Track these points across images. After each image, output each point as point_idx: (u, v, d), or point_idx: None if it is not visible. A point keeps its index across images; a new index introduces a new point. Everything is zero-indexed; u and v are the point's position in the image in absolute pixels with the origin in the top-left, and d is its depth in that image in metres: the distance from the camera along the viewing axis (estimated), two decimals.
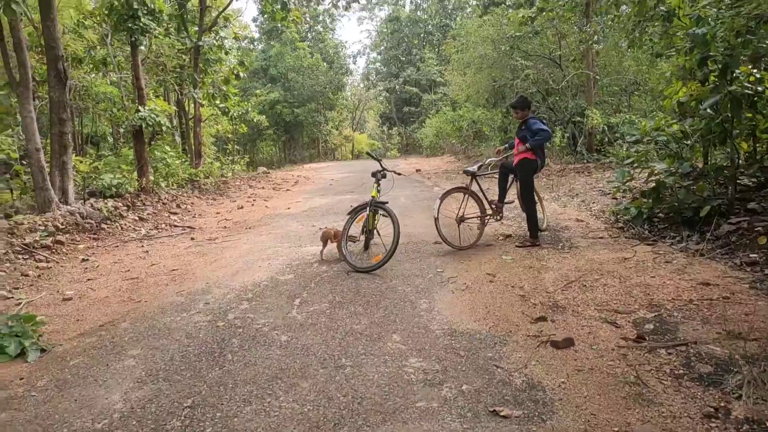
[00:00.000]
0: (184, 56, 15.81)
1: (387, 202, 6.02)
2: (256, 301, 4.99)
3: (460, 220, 6.70)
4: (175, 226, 9.64)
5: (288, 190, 15.31)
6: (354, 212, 6.20)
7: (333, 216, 9.91)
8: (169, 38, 14.79)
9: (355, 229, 6.32)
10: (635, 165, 7.58)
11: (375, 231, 6.17)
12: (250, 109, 22.30)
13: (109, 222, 8.87)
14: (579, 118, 14.17)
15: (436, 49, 39.04)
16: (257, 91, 28.39)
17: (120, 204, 9.62)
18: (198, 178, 14.44)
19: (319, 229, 8.57)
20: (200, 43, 15.41)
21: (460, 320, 4.22)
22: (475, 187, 6.89)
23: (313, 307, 4.75)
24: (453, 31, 29.65)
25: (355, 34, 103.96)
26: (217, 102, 17.13)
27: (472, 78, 18.16)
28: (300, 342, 3.97)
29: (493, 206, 6.98)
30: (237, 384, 3.37)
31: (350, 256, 6.01)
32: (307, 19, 40.75)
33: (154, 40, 14.11)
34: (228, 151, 25.71)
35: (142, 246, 8.01)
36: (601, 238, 6.61)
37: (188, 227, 9.49)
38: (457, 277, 5.40)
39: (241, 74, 18.00)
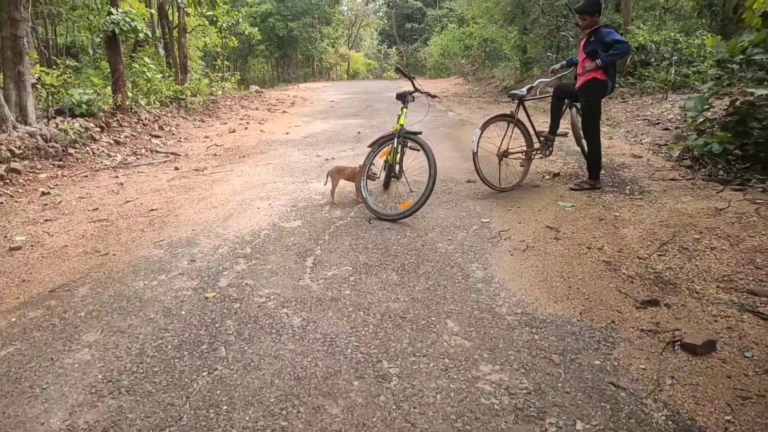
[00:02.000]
0: None
1: (420, 132, 4.77)
2: (257, 260, 3.86)
3: (503, 154, 5.50)
4: (157, 151, 8.35)
5: (284, 112, 13.85)
6: (377, 144, 4.96)
7: (339, 144, 8.63)
8: None
9: (376, 164, 5.11)
10: (707, 92, 6.30)
11: (400, 168, 4.95)
12: (241, 19, 20.27)
13: (78, 146, 7.56)
14: None
15: None
16: (248, 0, 25.99)
17: (92, 124, 8.25)
18: (184, 96, 12.92)
19: (325, 161, 7.35)
20: None
21: (535, 299, 3.13)
22: (521, 116, 5.63)
23: (331, 271, 3.62)
24: None
25: None
26: (204, 10, 15.24)
27: None
28: (320, 329, 2.87)
29: (542, 138, 5.75)
30: (234, 404, 2.29)
31: (372, 199, 4.84)
32: None
33: None
34: (217, 67, 23.78)
35: (117, 176, 6.76)
36: (673, 180, 5.44)
37: (172, 154, 8.20)
38: (510, 231, 4.27)
39: None
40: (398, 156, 4.78)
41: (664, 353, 2.53)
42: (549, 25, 14.24)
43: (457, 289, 3.29)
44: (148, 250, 4.15)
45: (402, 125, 4.81)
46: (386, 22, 43.54)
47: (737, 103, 5.67)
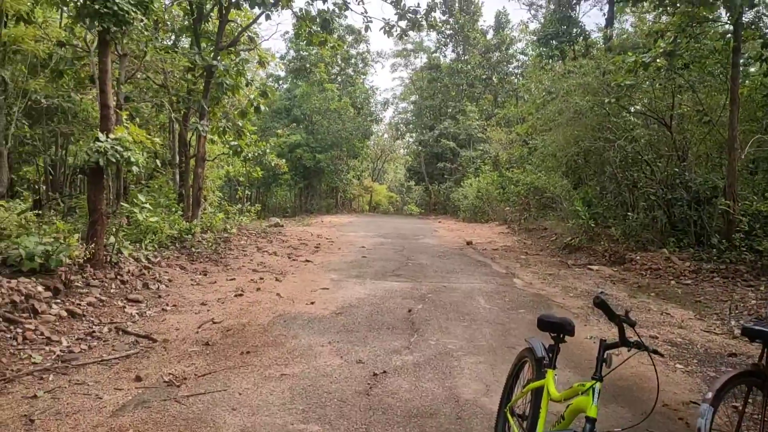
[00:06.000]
0: (193, 77, 12.41)
1: None
2: None
3: None
4: (125, 332, 5.77)
5: (307, 261, 11.45)
6: None
7: (387, 334, 6.01)
8: (175, 53, 11.41)
9: None
10: None
11: None
12: (268, 150, 18.84)
13: (4, 327, 5.03)
14: (713, 196, 10.41)
15: (476, 103, 35.90)
16: (278, 131, 25.09)
17: (40, 288, 5.79)
18: (189, 237, 10.69)
19: (373, 377, 4.70)
20: (215, 63, 12.00)
21: None
22: None
23: None
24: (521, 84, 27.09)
25: (386, 82, 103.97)
26: (228, 138, 13.59)
27: (551, 137, 14.58)
28: None
29: None
30: None
31: None
32: (339, 61, 38.16)
33: (152, 51, 10.70)
34: (237, 196, 22.14)
35: (34, 396, 4.12)
36: None
37: (145, 337, 5.62)
38: None
39: (262, 107, 14.55)
40: None
41: None
42: (626, 180, 12.15)
43: None
44: None
45: (593, 421, 2.15)
46: (415, 159, 43.04)
47: None
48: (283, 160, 21.14)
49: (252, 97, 14.58)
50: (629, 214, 11.80)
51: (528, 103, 19.38)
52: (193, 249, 10.56)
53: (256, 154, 18.24)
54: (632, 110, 12.72)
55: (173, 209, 11.40)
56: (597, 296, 2.41)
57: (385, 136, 54.39)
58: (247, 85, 14.71)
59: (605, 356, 2.37)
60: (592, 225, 12.39)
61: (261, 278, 9.14)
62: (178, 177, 14.73)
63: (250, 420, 3.82)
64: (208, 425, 3.72)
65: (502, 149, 26.81)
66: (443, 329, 6.30)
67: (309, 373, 4.78)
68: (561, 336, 2.78)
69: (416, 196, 47.86)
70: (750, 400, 3.15)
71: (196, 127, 12.28)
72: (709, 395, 2.75)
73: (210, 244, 11.35)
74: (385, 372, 4.85)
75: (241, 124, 14.46)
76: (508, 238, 17.22)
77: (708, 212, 10.65)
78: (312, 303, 7.45)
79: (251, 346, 5.51)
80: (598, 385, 2.29)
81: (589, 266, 10.90)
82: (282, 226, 19.71)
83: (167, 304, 7.00)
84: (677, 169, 11.23)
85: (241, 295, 7.83)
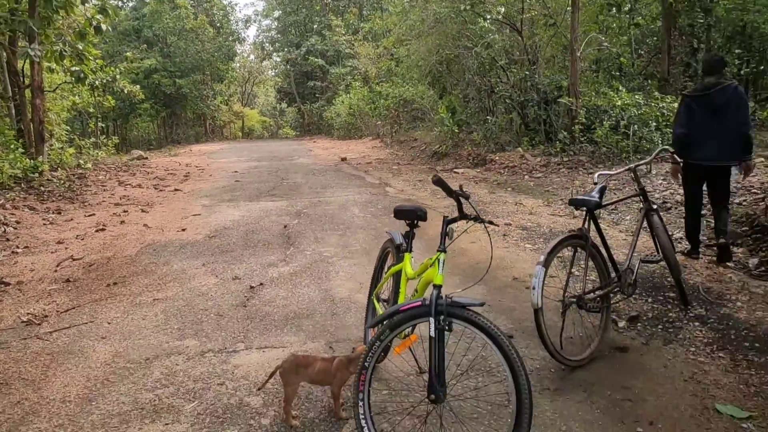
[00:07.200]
0: None
1: (480, 303, 2.37)
2: None
3: (575, 302, 3.29)
4: None
5: (177, 189, 10.95)
6: (389, 325, 2.46)
7: (262, 250, 6.05)
8: None
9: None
10: None
11: (441, 380, 2.42)
12: (118, 76, 17.16)
13: None
14: (558, 96, 11.29)
15: (342, 17, 34.94)
16: (127, 54, 22.69)
17: None
18: (35, 176, 9.69)
19: (249, 290, 4.77)
20: None
21: None
22: (593, 234, 3.48)
23: None
24: None
25: None
26: (67, 63, 12.15)
27: (414, 46, 14.69)
28: None
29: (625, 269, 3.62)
30: None
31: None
32: None
33: None
34: (89, 130, 20.17)
35: None
36: None
37: None
38: None
39: (104, 27, 13.00)
40: (437, 353, 2.33)
41: None
42: (484, 86, 12.76)
43: None
44: None
45: (439, 287, 2.41)
46: (285, 79, 41.51)
47: None
48: (138, 87, 19.37)
49: (90, 15, 12.95)
50: (489, 118, 12.55)
51: (392, 14, 19.22)
52: (42, 188, 9.62)
53: (105, 82, 16.59)
54: (488, 18, 13.14)
55: (12, 147, 10.18)
56: (435, 175, 2.61)
57: (251, 57, 51.50)
58: (83, 3, 13.04)
59: (447, 230, 2.62)
60: (457, 131, 13.03)
61: (125, 211, 8.62)
62: (14, 111, 13.02)
63: (122, 344, 3.75)
64: (75, 355, 3.60)
65: (371, 64, 26.72)
66: (318, 240, 6.46)
67: (183, 294, 4.73)
68: (415, 222, 2.99)
69: (290, 119, 46.67)
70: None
71: (26, 53, 10.78)
72: (542, 258, 3.15)
73: (62, 181, 10.40)
74: (261, 284, 4.93)
75: (81, 47, 12.89)
76: (381, 151, 17.59)
77: (555, 111, 11.59)
78: (183, 230, 7.22)
79: (118, 277, 5.29)
80: (442, 256, 2.53)
81: (455, 170, 11.57)
82: (146, 158, 18.44)
83: (17, 246, 6.42)
84: (528, 72, 11.98)
85: (103, 230, 7.36)
